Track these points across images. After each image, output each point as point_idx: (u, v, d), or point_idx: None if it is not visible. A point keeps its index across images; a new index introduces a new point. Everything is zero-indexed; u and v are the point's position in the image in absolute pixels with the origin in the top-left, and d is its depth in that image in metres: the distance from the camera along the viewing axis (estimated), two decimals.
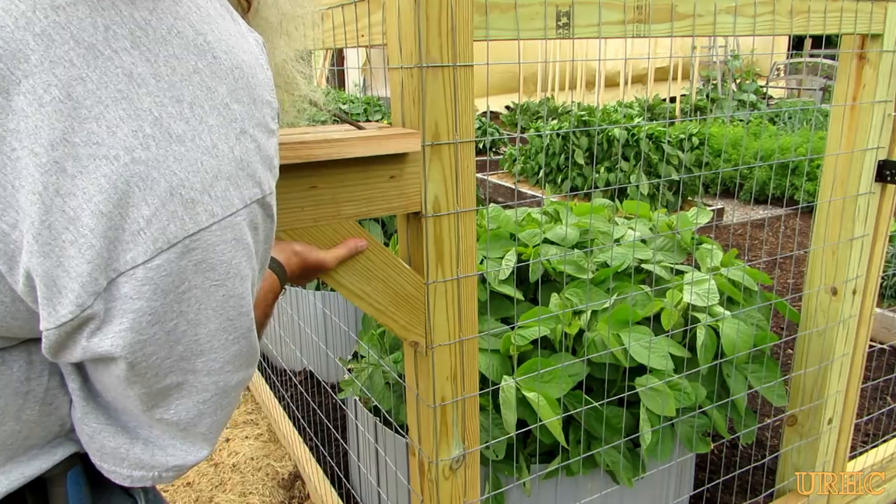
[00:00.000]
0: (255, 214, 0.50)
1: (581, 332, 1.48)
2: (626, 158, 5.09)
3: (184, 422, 0.52)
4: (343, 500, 1.84)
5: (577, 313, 1.51)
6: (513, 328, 1.44)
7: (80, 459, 0.57)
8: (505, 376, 1.37)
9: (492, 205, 1.90)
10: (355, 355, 1.93)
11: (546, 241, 1.76)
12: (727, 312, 1.54)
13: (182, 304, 0.47)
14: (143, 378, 0.48)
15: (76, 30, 0.42)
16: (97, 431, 0.53)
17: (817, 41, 8.28)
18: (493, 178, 6.17)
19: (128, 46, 0.43)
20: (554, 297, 1.53)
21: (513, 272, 1.61)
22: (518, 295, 1.57)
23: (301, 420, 2.33)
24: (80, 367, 0.52)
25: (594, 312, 1.51)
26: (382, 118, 5.40)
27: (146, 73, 0.44)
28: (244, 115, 0.49)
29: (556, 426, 1.31)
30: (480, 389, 1.04)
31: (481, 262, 1.66)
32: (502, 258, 1.64)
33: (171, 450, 0.53)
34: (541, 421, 1.31)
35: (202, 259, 0.47)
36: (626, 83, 9.06)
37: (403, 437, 1.52)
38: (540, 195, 5.21)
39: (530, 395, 1.31)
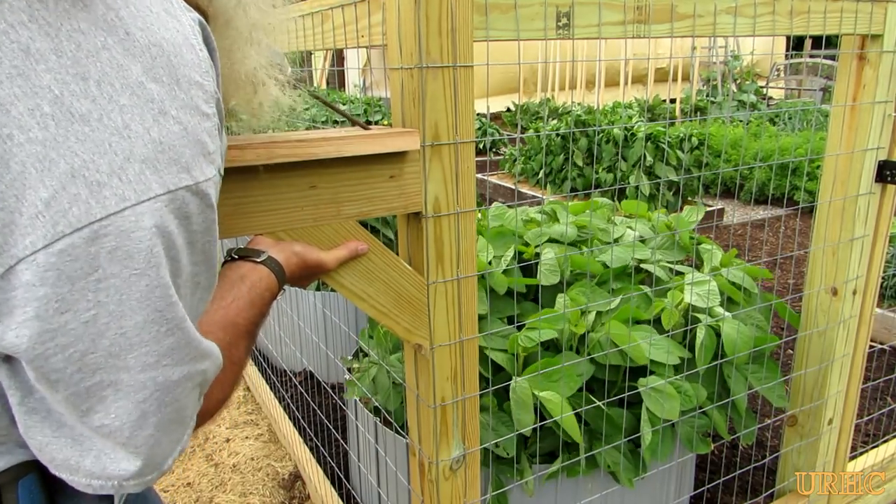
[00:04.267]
0: (183, 202, 0.48)
1: (585, 332, 1.48)
2: (624, 159, 5.09)
3: (128, 425, 0.49)
4: (343, 501, 1.84)
5: (582, 314, 1.51)
6: (520, 327, 1.44)
7: (36, 467, 0.55)
8: (514, 377, 1.37)
9: (495, 203, 1.90)
10: (356, 354, 1.93)
11: (549, 240, 1.76)
12: (727, 313, 1.54)
13: (99, 293, 0.44)
14: (63, 374, 0.45)
15: None
16: (44, 444, 0.50)
17: (817, 41, 8.28)
18: (494, 179, 6.17)
19: (25, 20, 0.42)
20: (560, 298, 1.53)
21: (512, 269, 1.62)
22: (521, 279, 1.57)
23: (301, 420, 2.33)
24: (20, 382, 0.49)
25: (598, 313, 1.51)
26: (382, 119, 5.40)
27: (45, 49, 0.42)
28: (164, 95, 0.47)
29: (572, 423, 1.30)
30: (494, 385, 1.03)
31: (489, 263, 1.66)
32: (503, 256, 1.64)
33: (125, 463, 0.50)
34: (549, 419, 1.31)
35: (117, 246, 0.44)
36: (626, 83, 9.06)
37: (404, 437, 1.52)
38: (540, 195, 5.21)
39: (545, 395, 1.31)
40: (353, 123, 0.92)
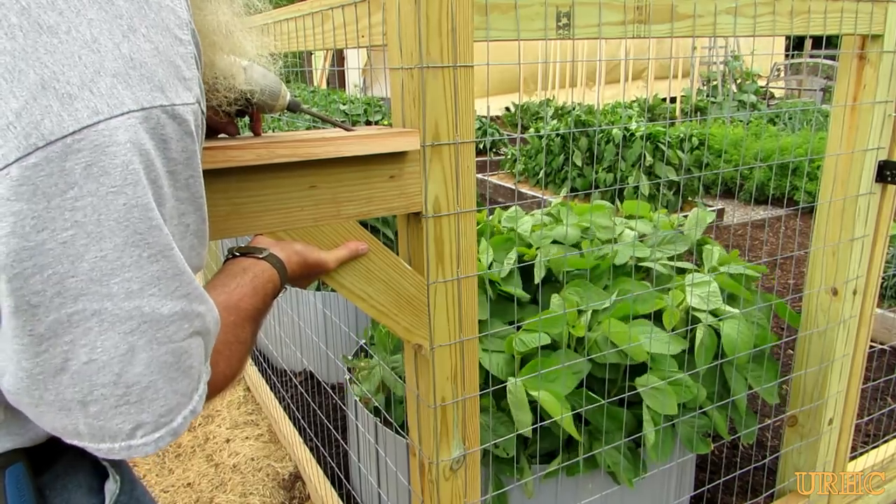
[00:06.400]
0: (159, 123, 0.47)
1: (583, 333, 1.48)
2: (624, 159, 5.09)
3: (116, 359, 0.47)
4: (343, 501, 1.84)
5: (580, 313, 1.51)
6: (518, 328, 1.43)
7: (24, 455, 0.54)
8: (510, 377, 1.37)
9: (511, 206, 1.90)
10: (357, 354, 1.93)
11: (553, 242, 1.77)
12: (729, 309, 1.54)
13: (76, 212, 0.43)
14: (43, 297, 0.44)
15: None
16: (39, 414, 0.49)
17: (817, 41, 8.28)
18: (494, 179, 6.17)
19: None
20: (555, 298, 1.53)
21: (512, 272, 1.62)
22: (519, 292, 1.56)
23: (301, 421, 2.33)
24: None
25: (595, 311, 1.51)
26: (383, 119, 5.41)
27: None
28: (132, 12, 0.47)
29: (569, 422, 1.30)
30: (488, 388, 1.03)
31: (490, 266, 1.66)
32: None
33: (118, 419, 0.49)
34: (545, 420, 1.31)
35: (92, 162, 0.43)
36: (626, 80, 9.06)
37: (404, 437, 1.52)
38: (540, 196, 5.21)
39: (542, 395, 1.31)
40: (329, 124, 0.92)
